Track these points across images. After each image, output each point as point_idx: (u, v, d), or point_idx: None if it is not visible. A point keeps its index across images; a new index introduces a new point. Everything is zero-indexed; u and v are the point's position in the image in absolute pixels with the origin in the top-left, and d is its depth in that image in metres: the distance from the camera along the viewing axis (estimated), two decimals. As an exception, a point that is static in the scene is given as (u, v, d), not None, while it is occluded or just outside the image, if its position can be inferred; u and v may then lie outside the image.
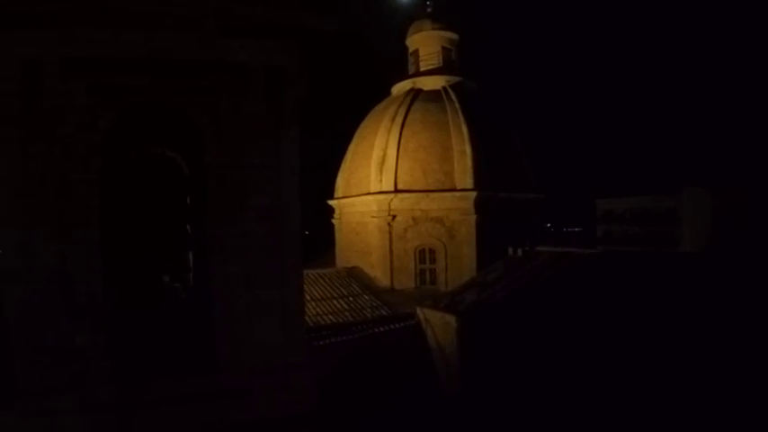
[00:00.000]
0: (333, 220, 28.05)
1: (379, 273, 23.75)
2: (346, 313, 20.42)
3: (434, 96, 26.00)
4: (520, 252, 22.45)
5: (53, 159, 8.09)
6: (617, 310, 15.24)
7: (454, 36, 28.84)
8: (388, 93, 29.14)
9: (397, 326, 19.68)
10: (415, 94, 26.50)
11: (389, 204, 23.39)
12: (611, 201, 56.09)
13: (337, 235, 27.69)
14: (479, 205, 22.93)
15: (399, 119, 24.75)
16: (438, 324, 19.08)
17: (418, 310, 19.92)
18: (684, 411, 11.79)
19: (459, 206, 22.98)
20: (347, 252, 26.51)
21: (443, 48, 28.51)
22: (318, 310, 20.44)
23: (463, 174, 23.15)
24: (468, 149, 23.40)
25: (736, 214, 50.53)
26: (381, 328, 19.37)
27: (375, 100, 29.37)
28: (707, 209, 50.65)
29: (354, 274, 24.18)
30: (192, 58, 8.67)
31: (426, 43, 28.60)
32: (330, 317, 19.99)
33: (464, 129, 23.82)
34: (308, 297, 19.47)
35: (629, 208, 54.46)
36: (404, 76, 28.73)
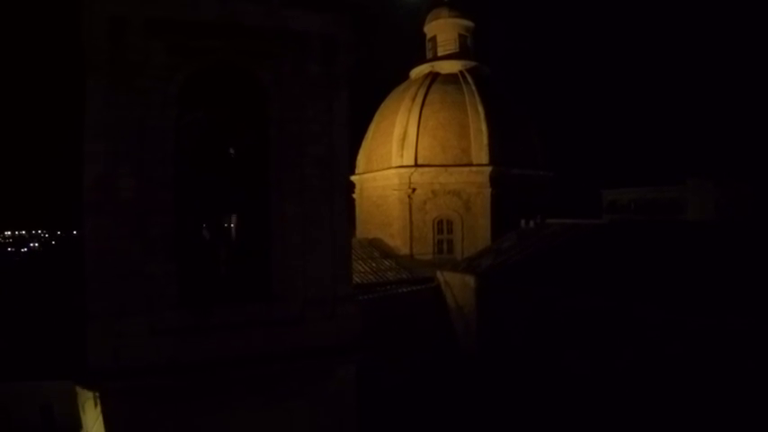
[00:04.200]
0: (353, 195, 29.51)
1: (399, 242, 25.29)
2: (370, 276, 21.90)
3: (452, 79, 27.51)
4: (532, 224, 23.88)
5: (134, 106, 9.25)
6: (624, 267, 16.59)
7: (470, 23, 30.26)
8: (401, 78, 30.84)
9: (417, 288, 21.16)
10: (434, 77, 28.01)
11: (410, 178, 24.93)
12: (616, 191, 56.97)
13: (358, 209, 29.17)
14: (494, 179, 24.46)
15: (419, 99, 26.28)
16: (457, 285, 20.54)
17: (438, 273, 21.41)
18: (683, 353, 13.12)
19: (475, 180, 24.53)
20: (367, 225, 28.02)
21: (460, 35, 29.97)
22: (343, 272, 21.75)
23: (479, 150, 24.67)
24: (483, 128, 24.89)
25: (739, 206, 51.62)
26: (403, 289, 20.85)
27: (384, 84, 31.15)
28: (710, 200, 51.66)
29: (375, 243, 25.74)
30: (260, 26, 10.02)
31: (444, 30, 30.05)
32: (355, 277, 21.38)
33: (480, 108, 25.32)
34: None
35: (634, 198, 55.26)
36: (422, 60, 30.24)
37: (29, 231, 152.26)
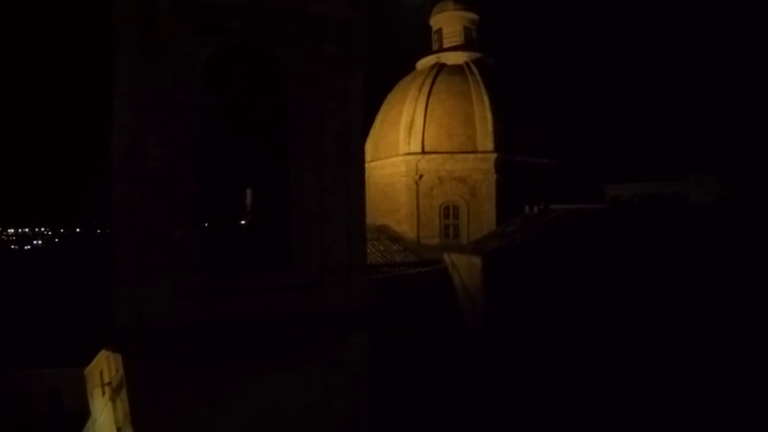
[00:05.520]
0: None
1: (406, 228, 25.80)
2: (378, 258, 22.36)
3: (457, 70, 28.04)
4: (536, 209, 24.34)
5: (162, 81, 9.64)
6: (625, 244, 17.01)
7: (475, 16, 30.85)
8: (407, 70, 31.34)
9: (425, 269, 21.61)
10: (440, 68, 28.55)
11: (417, 165, 25.46)
12: (619, 186, 57.34)
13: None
14: (499, 166, 24.96)
15: (426, 89, 26.81)
16: (464, 266, 21.00)
17: (445, 256, 21.87)
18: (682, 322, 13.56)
19: (480, 167, 25.03)
20: (374, 212, 28.42)
21: (465, 27, 30.56)
22: (352, 255, 22.13)
23: (485, 137, 25.15)
24: (488, 116, 25.39)
25: (741, 201, 51.83)
26: (411, 271, 21.29)
27: (391, 76, 31.70)
28: (712, 195, 51.96)
29: (383, 229, 26.24)
30: (281, 8, 10.46)
31: (449, 23, 30.64)
32: (364, 260, 21.79)
33: (485, 97, 25.82)
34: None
35: (637, 193, 55.64)
36: (428, 52, 30.83)
37: (32, 229, 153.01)
